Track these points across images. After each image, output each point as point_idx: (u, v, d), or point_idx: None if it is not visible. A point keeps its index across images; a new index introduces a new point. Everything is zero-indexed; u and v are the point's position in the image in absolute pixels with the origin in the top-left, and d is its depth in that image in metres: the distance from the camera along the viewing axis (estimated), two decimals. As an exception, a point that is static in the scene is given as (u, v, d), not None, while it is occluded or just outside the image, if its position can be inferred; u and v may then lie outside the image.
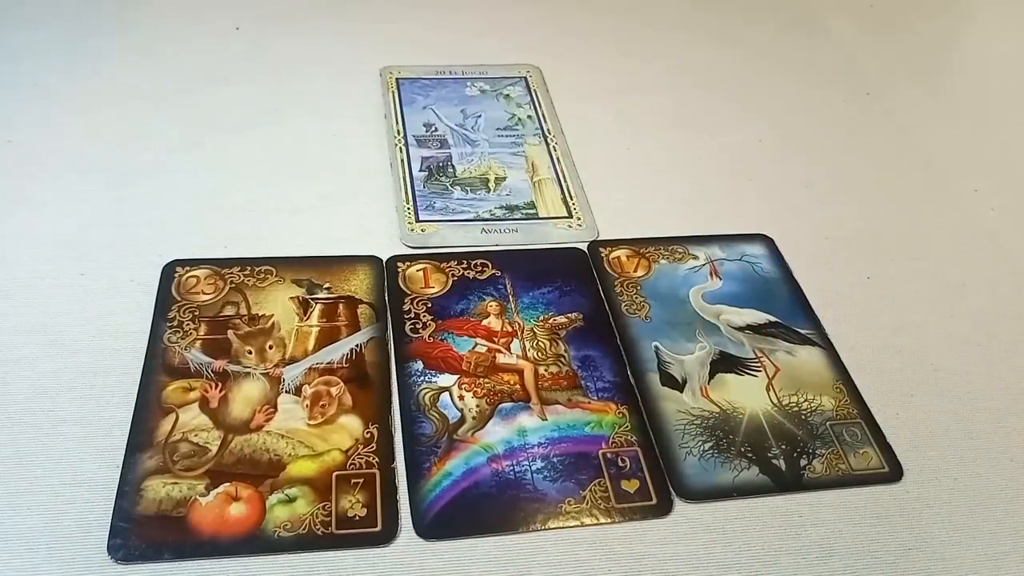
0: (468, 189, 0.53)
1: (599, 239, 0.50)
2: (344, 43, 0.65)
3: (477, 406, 0.41)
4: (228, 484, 0.36)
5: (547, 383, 0.42)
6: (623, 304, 0.46)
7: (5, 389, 0.39)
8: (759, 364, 0.44)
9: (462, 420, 0.40)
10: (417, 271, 0.47)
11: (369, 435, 0.39)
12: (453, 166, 0.54)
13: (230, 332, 0.42)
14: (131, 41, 0.63)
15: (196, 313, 0.43)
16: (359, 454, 0.38)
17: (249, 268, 0.46)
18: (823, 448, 0.40)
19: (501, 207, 0.52)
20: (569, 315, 0.45)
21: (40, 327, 0.42)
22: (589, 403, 0.41)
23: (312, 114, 0.58)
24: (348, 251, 0.48)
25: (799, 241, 0.51)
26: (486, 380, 0.42)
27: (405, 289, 0.46)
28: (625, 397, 0.42)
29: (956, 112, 0.64)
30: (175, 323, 0.43)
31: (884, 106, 0.64)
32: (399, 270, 0.47)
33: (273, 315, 0.44)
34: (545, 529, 0.36)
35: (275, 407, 0.40)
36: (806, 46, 0.70)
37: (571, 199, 0.52)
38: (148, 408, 0.39)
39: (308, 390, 0.40)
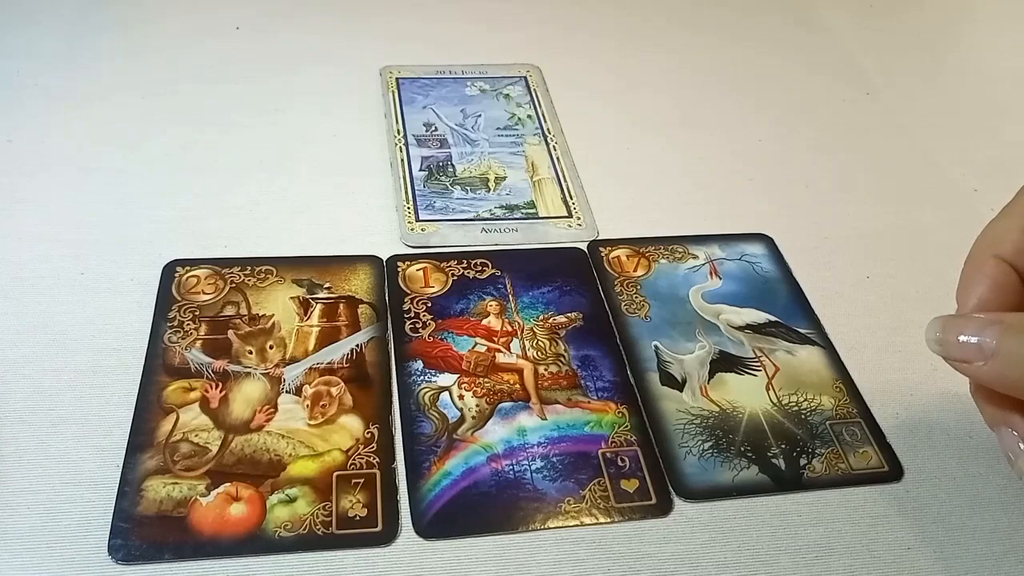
0: (468, 189, 0.53)
1: (599, 239, 0.50)
2: (344, 43, 0.65)
3: (477, 405, 0.41)
4: (228, 484, 0.36)
5: (547, 383, 0.42)
6: (623, 304, 0.46)
7: (5, 388, 0.39)
8: (759, 363, 0.44)
9: (462, 419, 0.40)
10: (417, 271, 0.47)
11: (369, 435, 0.39)
12: (453, 166, 0.54)
13: (230, 332, 0.43)
14: (131, 40, 0.63)
15: (196, 313, 0.43)
16: (359, 454, 0.38)
17: (249, 268, 0.46)
18: (823, 447, 0.40)
19: (501, 207, 0.52)
20: (569, 314, 0.45)
21: (40, 326, 0.42)
22: (589, 403, 0.41)
23: (312, 113, 0.58)
24: (348, 251, 0.48)
25: (799, 241, 0.51)
26: (486, 380, 0.42)
27: (405, 289, 0.46)
28: (625, 397, 0.42)
29: (956, 112, 0.64)
30: (175, 323, 0.43)
31: (884, 106, 0.64)
32: (399, 270, 0.47)
33: (273, 315, 0.44)
34: (544, 528, 0.36)
35: (275, 407, 0.40)
36: (806, 45, 0.70)
37: (571, 199, 0.52)
38: (148, 408, 0.39)
39: (308, 390, 0.40)
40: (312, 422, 0.39)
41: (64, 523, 0.35)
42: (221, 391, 0.40)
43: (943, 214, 0.54)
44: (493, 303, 0.46)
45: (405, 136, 0.56)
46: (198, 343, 0.42)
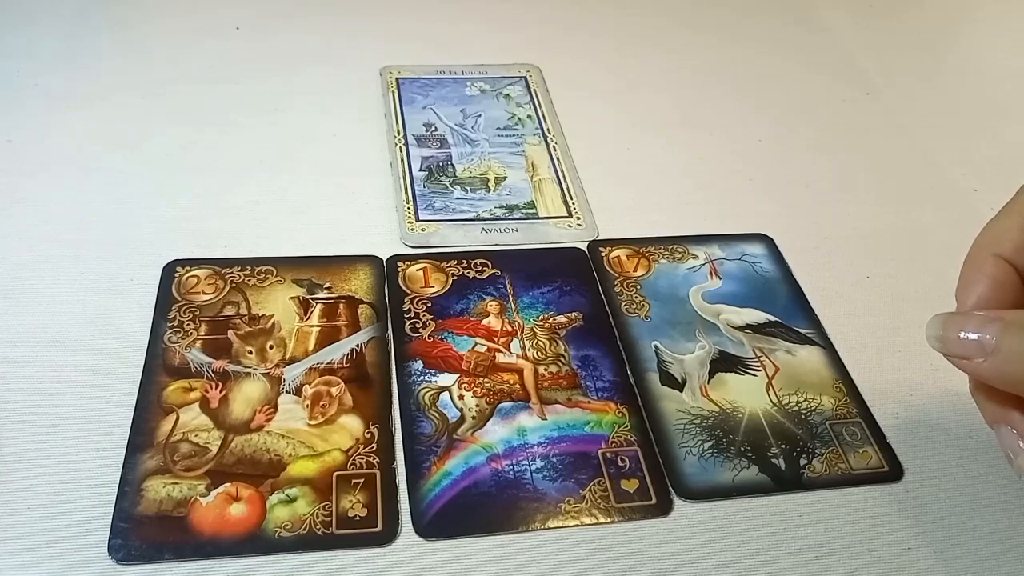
0: (468, 189, 0.53)
1: (599, 239, 0.50)
2: (344, 43, 0.65)
3: (477, 405, 0.41)
4: (229, 484, 0.36)
5: (547, 383, 0.42)
6: (623, 304, 0.46)
7: (5, 388, 0.39)
8: (759, 363, 0.44)
9: (462, 419, 0.40)
10: (417, 271, 0.47)
11: (370, 435, 0.39)
12: (453, 166, 0.54)
13: (230, 332, 0.43)
14: (131, 40, 0.63)
15: (196, 313, 0.43)
16: (359, 454, 0.38)
17: (249, 268, 0.46)
18: (823, 447, 0.40)
19: (501, 207, 0.52)
20: (569, 315, 0.45)
21: (40, 326, 0.42)
22: (589, 403, 0.41)
23: (312, 113, 0.58)
24: (348, 251, 0.48)
25: (799, 241, 0.51)
26: (486, 380, 0.42)
27: (405, 289, 0.46)
28: (625, 397, 0.42)
29: (956, 112, 0.64)
30: (175, 323, 0.43)
31: (884, 106, 0.64)
32: (399, 270, 0.47)
33: (273, 315, 0.44)
34: (544, 528, 0.36)
35: (275, 407, 0.40)
36: (806, 45, 0.70)
37: (571, 199, 0.52)
38: (148, 408, 0.39)
39: (308, 390, 0.40)
40: (312, 422, 0.39)
41: (64, 523, 0.35)
42: (221, 391, 0.40)
43: (943, 214, 0.54)
44: (493, 303, 0.46)
45: (405, 136, 0.56)
46: (198, 343, 0.42)
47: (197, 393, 0.40)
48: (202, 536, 0.35)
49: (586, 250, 0.49)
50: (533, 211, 0.52)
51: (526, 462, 0.39)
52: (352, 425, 0.39)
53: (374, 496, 0.37)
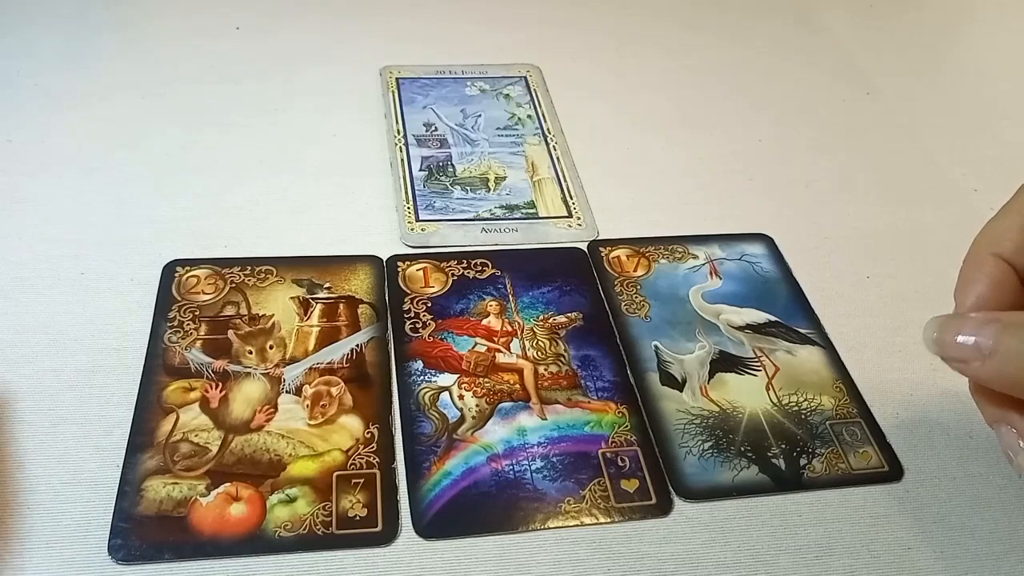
0: (468, 189, 0.53)
1: (599, 238, 0.50)
2: (344, 42, 0.65)
3: (477, 405, 0.41)
4: (228, 484, 0.36)
5: (547, 383, 0.42)
6: (623, 304, 0.46)
7: (5, 388, 0.39)
8: (759, 363, 0.44)
9: (462, 419, 0.40)
10: (417, 271, 0.47)
11: (370, 435, 0.39)
12: (453, 166, 0.54)
13: (230, 332, 0.43)
14: (131, 40, 0.63)
15: (196, 313, 0.43)
16: (359, 454, 0.38)
17: (249, 268, 0.46)
18: (823, 447, 0.40)
19: (501, 207, 0.52)
20: (569, 314, 0.45)
21: (40, 326, 0.42)
22: (589, 402, 0.41)
23: (312, 113, 0.58)
24: (348, 251, 0.48)
25: (799, 241, 0.51)
26: (486, 379, 0.42)
27: (405, 289, 0.46)
28: (625, 396, 0.42)
29: (956, 112, 0.64)
30: (175, 323, 0.43)
31: (884, 106, 0.64)
32: (399, 270, 0.47)
33: (273, 315, 0.44)
34: (544, 528, 0.36)
35: (275, 407, 0.40)
36: (806, 45, 0.70)
37: (571, 199, 0.52)
38: (148, 408, 0.39)
39: (308, 390, 0.40)
40: (312, 422, 0.39)
41: (64, 523, 0.35)
42: (221, 391, 0.40)
43: (943, 214, 0.54)
44: (493, 303, 0.46)
45: (405, 136, 0.56)
46: (198, 343, 0.42)
47: (197, 393, 0.40)
48: (202, 536, 0.35)
49: (586, 250, 0.49)
50: (533, 211, 0.52)
51: (526, 462, 0.39)
52: (352, 425, 0.39)
53: (374, 496, 0.37)
